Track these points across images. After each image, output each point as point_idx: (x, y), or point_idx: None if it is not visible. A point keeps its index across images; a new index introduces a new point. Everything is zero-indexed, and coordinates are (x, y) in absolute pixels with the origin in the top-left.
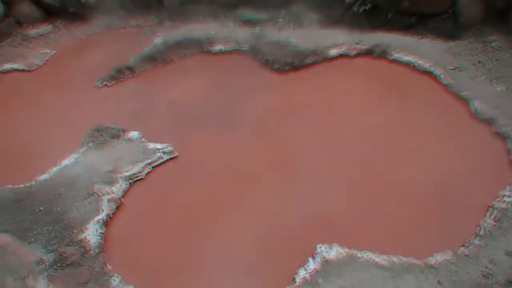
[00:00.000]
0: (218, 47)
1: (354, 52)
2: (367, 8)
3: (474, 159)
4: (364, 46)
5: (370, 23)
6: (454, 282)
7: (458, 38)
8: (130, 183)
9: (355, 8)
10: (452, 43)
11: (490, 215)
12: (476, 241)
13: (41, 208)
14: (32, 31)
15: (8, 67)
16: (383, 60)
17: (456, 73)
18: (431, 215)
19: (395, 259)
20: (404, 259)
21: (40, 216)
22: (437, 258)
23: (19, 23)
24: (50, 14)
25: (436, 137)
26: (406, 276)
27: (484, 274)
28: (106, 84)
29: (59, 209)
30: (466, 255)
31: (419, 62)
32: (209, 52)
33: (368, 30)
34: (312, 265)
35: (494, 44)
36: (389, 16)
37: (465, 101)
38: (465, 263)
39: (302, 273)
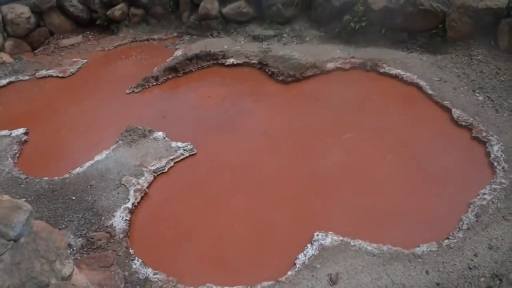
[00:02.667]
0: (231, 60)
1: (348, 66)
2: (363, 24)
3: (455, 161)
4: (357, 60)
5: (365, 38)
6: (441, 273)
7: (445, 52)
8: (154, 176)
9: (352, 24)
10: (439, 56)
11: (472, 211)
12: (460, 234)
13: (73, 198)
14: (64, 41)
15: (44, 73)
16: (374, 73)
17: (441, 84)
18: (416, 210)
19: (384, 248)
20: (393, 248)
21: (72, 205)
22: (423, 248)
23: (51, 33)
24: (79, 25)
25: (420, 141)
26: (395, 264)
27: (470, 266)
28: (134, 91)
29: (89, 198)
30: (450, 247)
31: (407, 74)
32: (223, 65)
33: (362, 45)
34: (310, 251)
35: (479, 57)
36: (382, 32)
37: (447, 109)
38: (451, 255)
39: (301, 258)
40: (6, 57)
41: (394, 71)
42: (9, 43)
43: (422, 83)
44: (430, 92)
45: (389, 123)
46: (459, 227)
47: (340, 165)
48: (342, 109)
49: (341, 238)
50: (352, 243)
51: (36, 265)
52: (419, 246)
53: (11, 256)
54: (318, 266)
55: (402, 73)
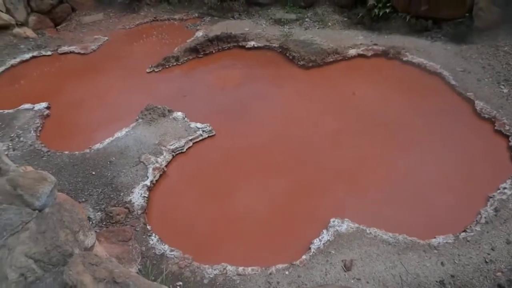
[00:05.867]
0: (252, 43)
1: (370, 53)
2: (387, 11)
3: (476, 154)
4: (380, 47)
5: (388, 25)
6: (457, 265)
7: (471, 42)
8: (173, 155)
9: (375, 10)
10: (464, 46)
11: (491, 205)
12: (477, 228)
13: (93, 173)
14: (86, 18)
15: (66, 49)
16: (396, 61)
17: (464, 75)
18: (434, 201)
19: (400, 237)
20: (409, 238)
21: (92, 179)
22: (440, 240)
23: (73, 10)
24: (101, 3)
25: (441, 132)
26: (410, 254)
27: (486, 260)
28: (154, 70)
29: (109, 174)
30: (467, 240)
31: (430, 63)
32: (243, 47)
33: (385, 32)
34: (326, 236)
35: (505, 48)
36: (407, 19)
37: (470, 101)
38: (467, 248)
39: (317, 243)
40: (29, 32)
41: (417, 59)
42: (32, 18)
43: (445, 73)
44: (453, 82)
45: (410, 113)
46: (477, 221)
47: (359, 154)
48: (362, 97)
49: (356, 225)
50: (367, 231)
51: (60, 235)
52: (435, 237)
53: (37, 225)
54: (333, 252)
55: (425, 62)
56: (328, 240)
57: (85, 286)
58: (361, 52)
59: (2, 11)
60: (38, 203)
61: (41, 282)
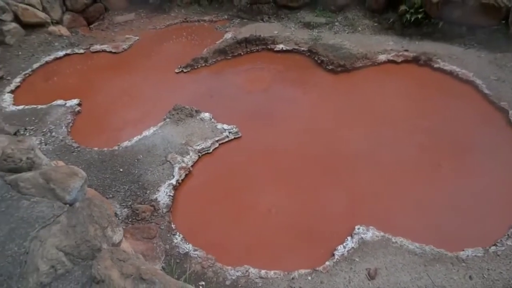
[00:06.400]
0: (280, 46)
1: (400, 59)
2: (419, 17)
3: (509, 165)
4: (411, 54)
5: (420, 31)
6: (486, 280)
7: (506, 50)
8: (199, 155)
9: (407, 16)
10: (498, 54)
11: None
12: (508, 242)
13: (121, 170)
14: (118, 18)
15: (98, 47)
16: (427, 68)
17: (498, 84)
18: (464, 212)
19: (427, 248)
20: (436, 249)
21: (119, 176)
22: (468, 253)
23: (106, 9)
24: (133, 3)
25: (472, 142)
26: (437, 266)
27: None
28: (183, 70)
29: (136, 171)
30: (497, 255)
31: (462, 71)
32: (272, 50)
33: (416, 38)
34: (350, 243)
35: None
36: (439, 25)
37: (503, 111)
38: (497, 263)
39: (341, 250)
40: (63, 30)
41: (449, 67)
42: (67, 17)
43: (478, 81)
44: (486, 91)
45: (441, 123)
46: (508, 235)
47: (385, 161)
48: (391, 104)
49: (382, 233)
50: (393, 240)
51: (90, 230)
52: (463, 250)
53: (67, 218)
54: (357, 260)
55: (457, 69)
56: (353, 247)
57: (113, 281)
58: (391, 58)
59: (39, 10)
60: (69, 198)
61: (70, 275)
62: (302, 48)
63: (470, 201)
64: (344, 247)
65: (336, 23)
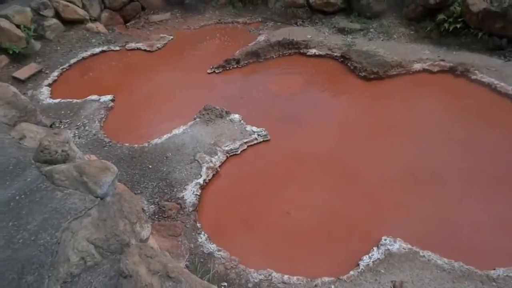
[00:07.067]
0: (313, 50)
1: (436, 69)
2: (458, 26)
3: None
4: (447, 64)
5: (458, 41)
6: None
7: None
8: (227, 156)
9: (445, 25)
10: None
11: None
12: None
13: (150, 166)
14: (154, 17)
15: (133, 45)
16: (464, 79)
17: None
18: (496, 230)
19: (456, 264)
20: (465, 266)
21: (148, 173)
22: (499, 272)
23: (143, 8)
24: (169, 3)
25: (508, 159)
26: (466, 283)
27: None
28: (215, 71)
29: (165, 169)
30: None
31: (501, 84)
32: (304, 54)
33: (454, 48)
34: (376, 254)
35: None
36: (479, 36)
37: None
38: None
39: (366, 260)
40: (101, 27)
41: (487, 79)
42: (105, 15)
43: None
44: None
45: (476, 138)
46: None
47: (417, 172)
48: (424, 115)
49: (409, 246)
50: (421, 253)
51: (120, 224)
52: (495, 269)
53: (98, 212)
54: (382, 271)
55: (496, 82)
56: (378, 258)
57: (140, 277)
58: (427, 67)
59: (79, 7)
60: (100, 191)
61: (99, 268)
62: (335, 54)
63: (503, 220)
64: (370, 258)
65: (371, 30)
